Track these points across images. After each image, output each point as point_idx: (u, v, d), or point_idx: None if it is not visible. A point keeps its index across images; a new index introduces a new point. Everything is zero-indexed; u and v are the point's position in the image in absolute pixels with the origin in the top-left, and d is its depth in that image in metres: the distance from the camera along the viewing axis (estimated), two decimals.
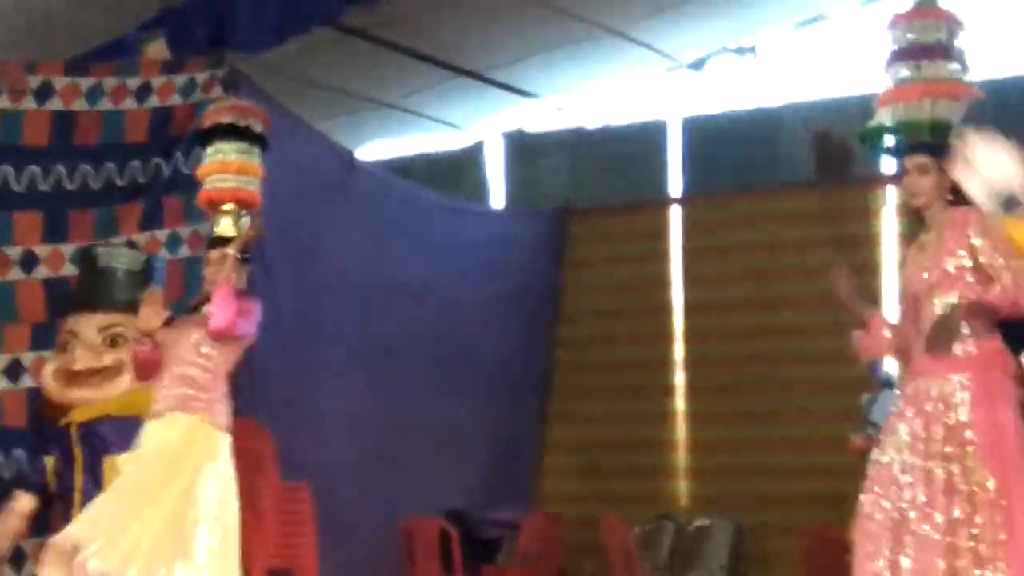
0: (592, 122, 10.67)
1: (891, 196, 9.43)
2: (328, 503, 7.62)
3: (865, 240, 9.37)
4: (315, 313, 8.34)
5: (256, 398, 7.57)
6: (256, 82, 8.18)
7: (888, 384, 7.53)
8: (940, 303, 4.56)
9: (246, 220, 6.03)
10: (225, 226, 5.92)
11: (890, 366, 7.69)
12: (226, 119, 6.18)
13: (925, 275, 4.66)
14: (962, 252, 4.57)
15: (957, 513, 4.41)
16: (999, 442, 4.45)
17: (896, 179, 9.24)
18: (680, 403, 9.81)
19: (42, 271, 7.63)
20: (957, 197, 4.62)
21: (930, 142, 4.86)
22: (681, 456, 9.80)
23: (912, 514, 4.54)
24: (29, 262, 7.59)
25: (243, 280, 5.80)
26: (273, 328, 7.80)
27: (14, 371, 7.42)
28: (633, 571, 8.69)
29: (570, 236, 10.27)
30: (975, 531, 4.41)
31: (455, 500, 9.07)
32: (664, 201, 10.14)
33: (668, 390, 9.85)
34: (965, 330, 4.57)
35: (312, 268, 8.37)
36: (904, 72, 5.06)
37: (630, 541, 8.84)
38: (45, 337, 7.40)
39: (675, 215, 10.12)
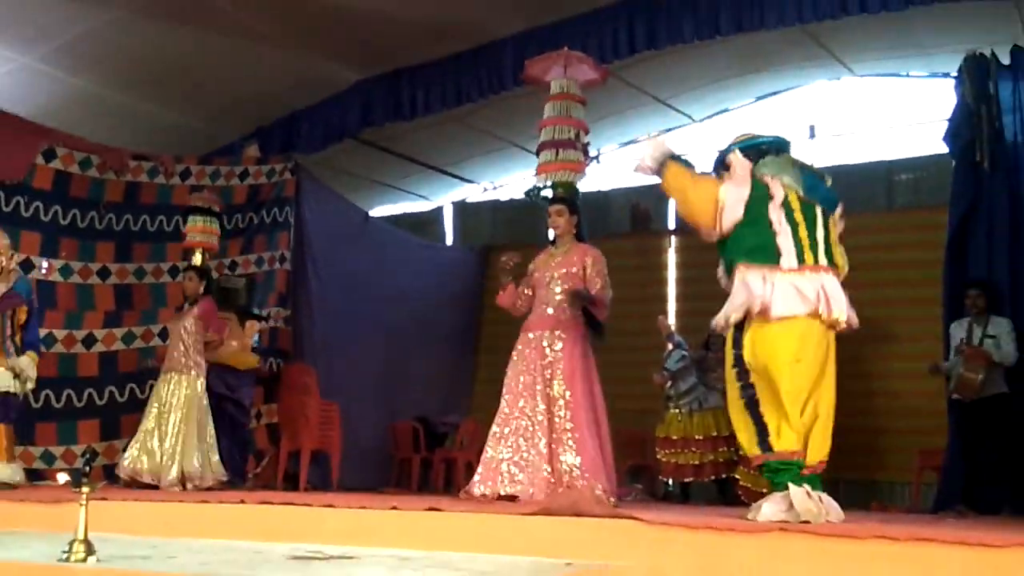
0: (505, 197, 10.84)
1: (672, 242, 9.62)
2: (350, 413, 7.85)
3: (658, 266, 9.59)
4: (345, 306, 8.44)
5: (311, 355, 7.90)
6: (311, 171, 8.52)
7: (679, 345, 7.59)
8: (559, 288, 4.79)
9: (206, 256, 6.45)
10: (198, 259, 6.36)
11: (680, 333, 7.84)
12: (200, 203, 6.66)
13: (554, 272, 4.85)
14: (576, 268, 4.80)
15: (558, 417, 4.62)
16: (579, 365, 4.71)
17: (675, 232, 9.61)
18: None
19: (113, 279, 7.54)
20: (578, 231, 5.03)
21: (564, 196, 5.11)
22: None
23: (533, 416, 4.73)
24: (104, 273, 7.52)
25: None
26: (321, 315, 8.16)
27: (89, 341, 7.29)
28: None
29: (492, 264, 10.15)
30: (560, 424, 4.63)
31: (422, 410, 9.18)
32: (544, 244, 10.30)
33: None
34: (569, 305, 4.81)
35: (343, 280, 8.51)
36: (550, 156, 5.20)
37: None
38: (113, 320, 7.41)
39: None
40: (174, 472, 5.77)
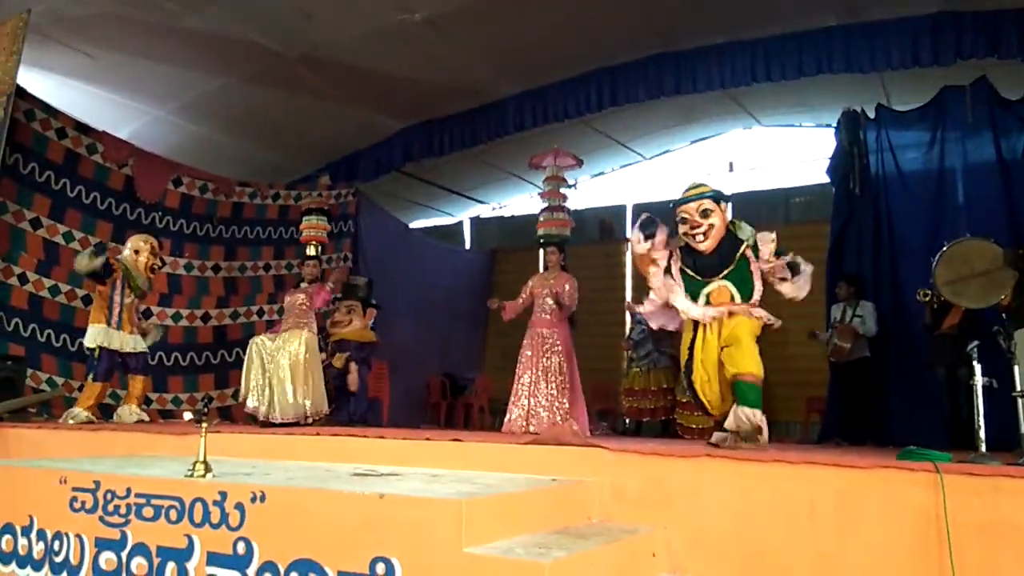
0: (509, 213, 10.77)
1: (630, 248, 9.53)
2: (396, 370, 7.82)
3: (619, 265, 9.47)
4: (391, 292, 8.17)
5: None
6: (367, 195, 8.48)
7: (640, 322, 7.18)
8: (551, 300, 5.26)
9: (319, 248, 5.88)
10: (311, 250, 5.90)
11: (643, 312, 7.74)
12: (314, 205, 6.20)
13: (544, 291, 5.28)
14: (559, 289, 5.21)
15: (552, 383, 5.10)
16: (566, 349, 5.16)
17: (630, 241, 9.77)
18: None
19: (223, 273, 7.54)
20: (563, 266, 5.37)
21: (553, 241, 5.39)
22: None
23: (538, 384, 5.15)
24: (216, 269, 7.55)
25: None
26: (373, 299, 8.05)
27: (205, 318, 7.30)
28: None
29: (498, 262, 10.30)
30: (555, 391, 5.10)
31: (448, 368, 9.19)
32: (536, 247, 10.12)
33: None
34: (555, 309, 5.24)
35: (391, 277, 8.37)
36: (546, 215, 5.52)
37: None
38: (223, 303, 7.37)
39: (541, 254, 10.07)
40: (306, 409, 5.34)
